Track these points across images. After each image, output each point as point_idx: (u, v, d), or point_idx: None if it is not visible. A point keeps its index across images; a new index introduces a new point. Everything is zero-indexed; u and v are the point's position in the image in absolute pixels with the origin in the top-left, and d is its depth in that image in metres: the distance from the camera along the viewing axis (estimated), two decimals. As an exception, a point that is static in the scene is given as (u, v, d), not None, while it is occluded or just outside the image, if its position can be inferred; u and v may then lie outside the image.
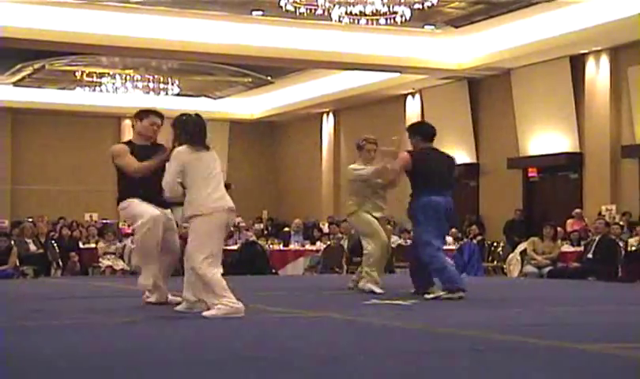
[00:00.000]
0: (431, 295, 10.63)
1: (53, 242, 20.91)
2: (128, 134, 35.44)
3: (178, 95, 31.51)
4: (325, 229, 26.11)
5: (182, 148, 8.90)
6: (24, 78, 30.59)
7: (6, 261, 18.41)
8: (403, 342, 6.74)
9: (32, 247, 19.44)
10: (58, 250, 20.39)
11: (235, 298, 8.69)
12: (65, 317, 8.90)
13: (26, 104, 32.70)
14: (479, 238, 23.25)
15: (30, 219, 23.55)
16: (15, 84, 31.29)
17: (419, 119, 29.39)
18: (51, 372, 5.04)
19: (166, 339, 6.77)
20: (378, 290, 11.32)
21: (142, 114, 10.94)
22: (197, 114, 9.40)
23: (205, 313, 8.51)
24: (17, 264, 18.29)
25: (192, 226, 8.71)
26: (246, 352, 6.01)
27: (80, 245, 21.45)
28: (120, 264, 21.30)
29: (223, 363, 5.43)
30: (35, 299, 11.06)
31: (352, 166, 12.44)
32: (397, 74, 27.60)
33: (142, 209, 9.65)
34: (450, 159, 11.65)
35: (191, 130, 9.08)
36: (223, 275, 8.79)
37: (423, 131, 11.62)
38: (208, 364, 5.39)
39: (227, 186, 9.45)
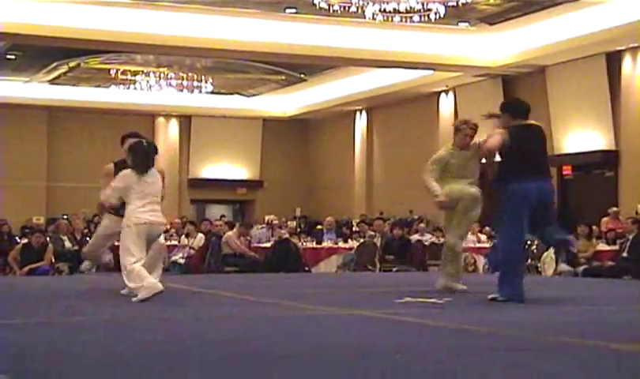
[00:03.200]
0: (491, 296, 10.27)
1: (88, 239, 21.00)
2: (162, 132, 35.73)
3: (211, 93, 31.59)
4: (357, 227, 26.11)
5: (128, 172, 10.52)
6: (59, 76, 30.77)
7: (42, 258, 18.53)
8: (437, 340, 6.72)
9: (68, 244, 19.57)
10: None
11: (153, 279, 10.19)
12: (101, 312, 8.94)
13: (62, 102, 32.92)
14: (513, 236, 23.11)
15: (65, 217, 23.70)
16: (51, 82, 31.51)
17: (452, 117, 29.40)
18: (87, 367, 5.06)
19: (201, 336, 6.78)
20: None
21: (126, 138, 11.50)
22: (148, 142, 10.98)
23: (133, 299, 9.91)
24: (53, 260, 18.38)
25: (123, 232, 10.44)
26: (281, 349, 6.02)
27: (115, 243, 21.51)
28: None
29: (258, 360, 5.44)
30: (70, 296, 11.10)
31: (435, 156, 11.74)
32: (431, 72, 27.56)
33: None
34: (540, 133, 10.61)
35: (138, 160, 10.57)
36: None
37: (512, 106, 10.69)
38: (244, 361, 5.40)
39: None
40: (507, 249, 10.07)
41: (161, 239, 11.48)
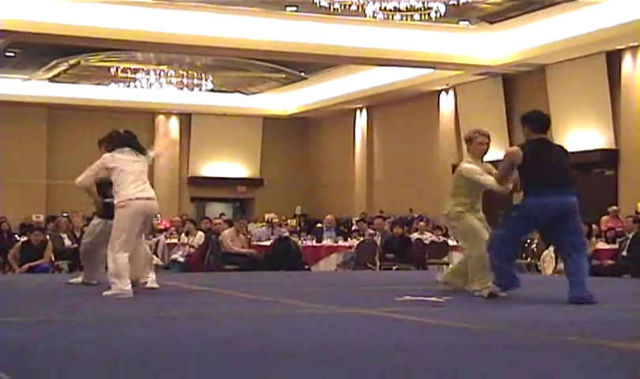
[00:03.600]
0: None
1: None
2: (162, 130, 35.74)
3: (211, 91, 31.62)
4: (357, 226, 26.11)
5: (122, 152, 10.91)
6: (59, 74, 30.80)
7: (42, 256, 18.53)
8: (437, 339, 6.73)
9: (67, 242, 19.54)
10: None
11: (129, 283, 10.43)
12: (100, 311, 8.94)
13: (62, 100, 32.98)
14: (513, 234, 23.14)
15: (65, 214, 23.69)
16: (50, 79, 31.54)
17: (453, 116, 29.41)
18: (86, 365, 5.06)
19: (200, 335, 6.78)
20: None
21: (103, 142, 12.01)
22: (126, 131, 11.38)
23: (103, 293, 10.29)
24: (52, 258, 18.38)
25: (115, 213, 10.73)
26: (281, 348, 6.02)
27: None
28: (154, 260, 21.40)
29: (257, 359, 5.44)
30: (70, 294, 11.10)
31: (467, 165, 11.09)
32: (431, 70, 27.58)
33: None
34: (564, 151, 10.26)
35: (116, 140, 11.15)
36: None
37: (531, 119, 10.19)
38: (244, 359, 5.40)
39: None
40: (497, 248, 10.16)
41: (145, 246, 11.86)
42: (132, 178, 10.77)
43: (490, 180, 10.72)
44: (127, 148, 11.01)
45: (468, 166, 10.93)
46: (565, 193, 9.69)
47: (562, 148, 10.26)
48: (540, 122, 10.06)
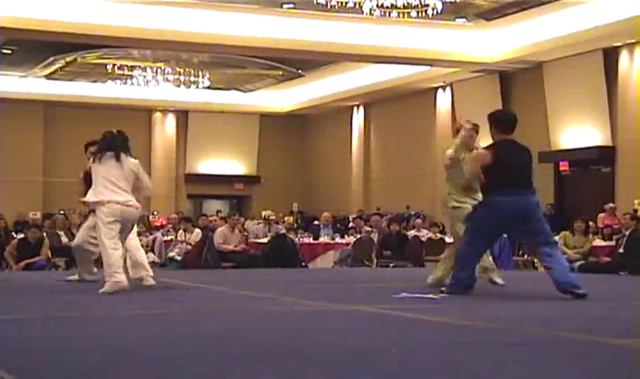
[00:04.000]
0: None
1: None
2: (159, 127, 35.75)
3: (208, 88, 31.64)
4: (354, 223, 26.14)
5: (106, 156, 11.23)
6: (56, 71, 30.78)
7: (39, 253, 18.55)
8: (434, 335, 6.74)
9: (64, 239, 19.54)
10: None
11: (124, 275, 10.72)
12: (98, 308, 8.95)
13: (58, 97, 32.96)
14: (509, 231, 23.17)
15: (62, 212, 23.68)
16: (47, 77, 31.53)
17: (450, 113, 29.41)
18: (83, 362, 5.07)
19: (200, 332, 6.79)
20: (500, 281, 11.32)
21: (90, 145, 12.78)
22: (118, 131, 11.76)
23: (100, 291, 10.35)
24: (49, 255, 18.38)
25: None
26: (280, 345, 6.02)
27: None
28: (151, 257, 21.42)
29: (257, 356, 5.45)
30: (67, 291, 11.11)
31: (446, 153, 11.40)
32: (428, 67, 27.58)
33: None
34: (527, 151, 10.46)
35: (110, 142, 11.45)
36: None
37: (498, 120, 10.48)
38: (240, 356, 5.41)
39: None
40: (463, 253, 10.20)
41: (133, 240, 12.01)
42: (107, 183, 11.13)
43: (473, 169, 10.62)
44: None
45: (447, 153, 11.31)
46: (525, 194, 9.88)
47: (526, 149, 10.42)
48: (506, 123, 10.34)
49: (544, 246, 9.83)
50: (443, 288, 10.21)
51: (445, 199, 11.38)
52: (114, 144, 11.40)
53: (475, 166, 10.20)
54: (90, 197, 11.06)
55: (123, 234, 11.15)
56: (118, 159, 11.25)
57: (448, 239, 23.73)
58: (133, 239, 11.97)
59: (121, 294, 10.11)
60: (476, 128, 11.36)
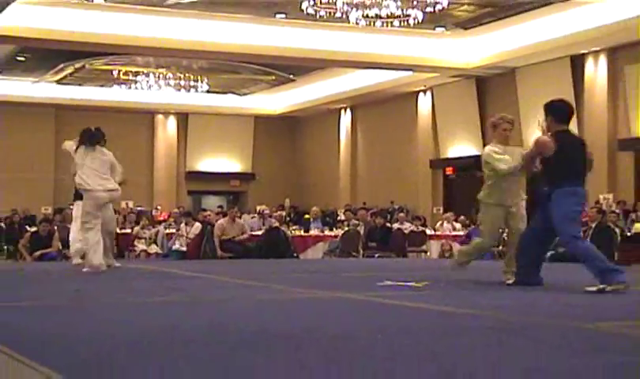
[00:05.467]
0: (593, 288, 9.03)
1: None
2: (161, 128, 35.69)
3: (207, 92, 31.59)
4: (342, 216, 26.11)
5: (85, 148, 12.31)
6: (66, 76, 30.74)
7: (50, 245, 18.52)
8: (417, 321, 6.70)
9: (74, 232, 19.49)
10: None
11: (102, 259, 12.04)
12: (105, 296, 8.90)
13: (68, 101, 32.91)
14: (485, 224, 23.15)
15: (71, 206, 23.59)
16: (58, 82, 31.48)
17: (430, 115, 29.38)
18: (91, 347, 5.02)
19: (197, 319, 6.75)
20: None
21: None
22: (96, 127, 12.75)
23: (84, 270, 11.84)
24: (60, 247, 18.33)
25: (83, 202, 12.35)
26: (273, 330, 5.99)
27: (117, 231, 21.52)
28: (154, 248, 21.41)
29: (252, 341, 5.41)
30: (77, 280, 11.06)
31: (487, 149, 10.48)
32: (410, 73, 27.59)
33: None
34: (583, 143, 9.71)
35: (87, 136, 12.48)
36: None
37: (556, 109, 9.55)
38: (237, 341, 5.37)
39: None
40: (575, 246, 9.26)
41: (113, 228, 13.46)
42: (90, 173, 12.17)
43: (505, 164, 10.15)
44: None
45: (488, 149, 10.45)
46: (583, 185, 9.33)
47: (582, 141, 9.71)
48: (564, 113, 9.53)
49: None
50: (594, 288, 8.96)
51: (480, 200, 10.58)
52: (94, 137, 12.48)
53: (533, 154, 9.54)
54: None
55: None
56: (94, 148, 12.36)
57: (429, 231, 23.78)
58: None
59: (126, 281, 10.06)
60: (510, 122, 10.74)
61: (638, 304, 8.08)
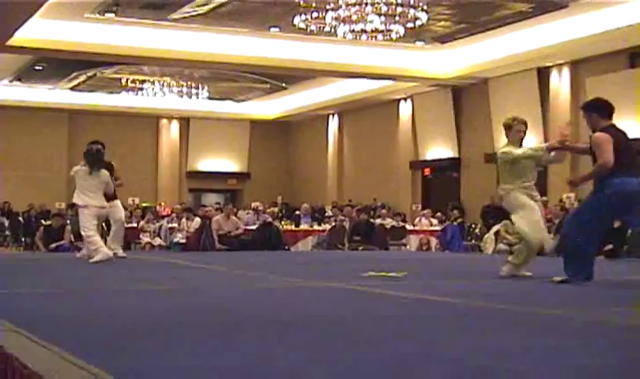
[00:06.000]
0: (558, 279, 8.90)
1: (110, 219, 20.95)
2: (165, 132, 35.61)
3: (207, 98, 31.55)
4: (330, 213, 26.13)
5: (81, 169, 13.23)
6: (79, 84, 30.66)
7: (62, 237, 18.52)
8: (396, 308, 6.72)
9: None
10: (106, 228, 20.41)
11: (106, 249, 12.66)
12: (113, 283, 8.90)
13: (80, 106, 32.82)
14: (459, 220, 23.23)
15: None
16: (72, 89, 31.40)
17: (411, 121, 29.40)
18: (100, 330, 5.02)
19: (195, 305, 6.76)
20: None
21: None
22: (97, 150, 13.56)
23: (91, 261, 12.17)
24: (72, 239, 18.33)
25: (81, 212, 12.95)
26: (266, 316, 6.00)
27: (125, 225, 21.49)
28: (157, 241, 21.39)
29: (247, 325, 5.42)
30: (87, 270, 11.05)
31: (502, 150, 10.15)
32: (392, 82, 27.58)
33: None
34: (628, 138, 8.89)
35: (89, 160, 13.25)
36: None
37: (598, 106, 8.95)
38: (234, 326, 5.38)
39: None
40: (576, 235, 8.76)
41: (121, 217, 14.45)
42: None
43: (522, 149, 9.82)
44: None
45: (504, 150, 10.09)
46: (637, 176, 8.57)
47: (625, 133, 8.91)
48: (606, 108, 8.87)
49: None
50: (559, 278, 8.78)
51: (504, 192, 9.91)
52: (95, 158, 13.29)
53: (607, 150, 8.48)
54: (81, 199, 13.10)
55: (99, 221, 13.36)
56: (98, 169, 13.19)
57: (408, 226, 23.81)
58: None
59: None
60: (524, 123, 10.46)
61: (586, 293, 8.10)
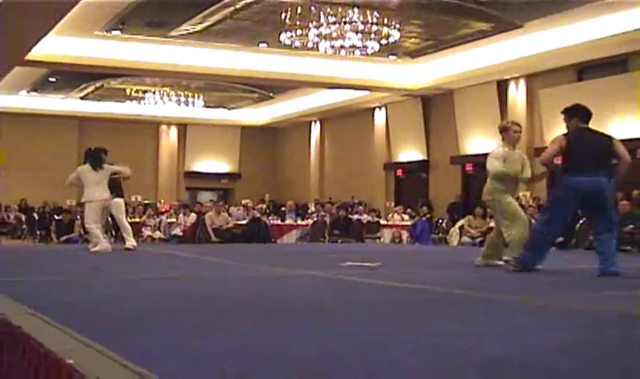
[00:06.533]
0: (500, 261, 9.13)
1: (109, 217, 20.89)
2: (165, 136, 35.52)
3: (202, 106, 31.51)
4: (312, 209, 26.14)
5: (86, 166, 13.35)
6: (88, 94, 30.57)
7: (72, 231, 18.51)
8: (371, 294, 6.74)
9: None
10: (111, 223, 20.38)
11: (106, 242, 13.01)
12: (117, 272, 8.89)
13: (89, 113, 32.74)
14: (428, 216, 23.33)
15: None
16: (81, 98, 31.31)
17: (385, 127, 29.46)
18: (108, 314, 5.03)
19: (189, 292, 6.77)
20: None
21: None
22: (95, 149, 13.76)
23: (92, 250, 12.56)
24: (82, 232, 18.32)
25: (86, 206, 13.19)
26: (254, 301, 6.02)
27: (129, 220, 21.45)
28: (157, 234, 21.37)
29: (238, 310, 5.43)
30: (94, 260, 11.03)
31: (492, 154, 9.85)
32: (368, 92, 27.62)
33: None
34: (605, 137, 8.62)
35: (91, 160, 13.35)
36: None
37: (576, 112, 8.72)
38: (227, 311, 5.39)
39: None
40: (539, 230, 8.82)
41: (119, 213, 14.19)
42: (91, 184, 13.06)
43: (497, 168, 9.59)
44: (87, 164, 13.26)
45: (492, 153, 9.85)
46: (596, 174, 8.37)
47: (604, 135, 8.65)
48: (585, 114, 8.67)
49: (603, 229, 8.48)
50: (510, 263, 8.98)
51: (490, 191, 9.78)
52: (97, 159, 13.38)
53: (548, 150, 8.61)
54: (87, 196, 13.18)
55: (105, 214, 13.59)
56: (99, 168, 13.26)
57: (382, 221, 23.87)
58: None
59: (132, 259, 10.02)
60: (519, 125, 10.15)
61: (538, 280, 8.16)
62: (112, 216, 14.74)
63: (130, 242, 13.79)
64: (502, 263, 9.60)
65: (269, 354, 3.55)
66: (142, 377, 2.94)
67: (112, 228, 17.77)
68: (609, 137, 8.59)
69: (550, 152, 8.58)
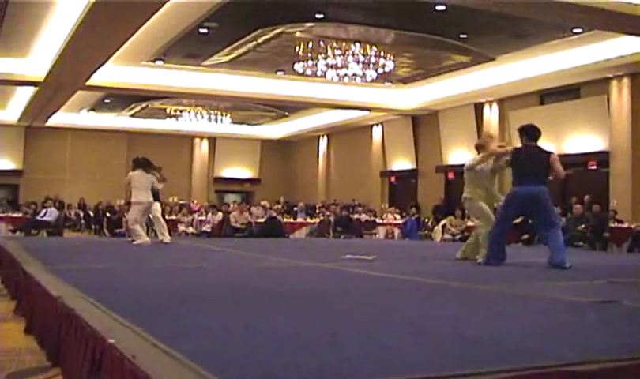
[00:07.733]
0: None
1: (150, 215, 20.90)
2: (198, 148, 35.53)
3: (230, 123, 31.60)
4: (319, 209, 26.10)
5: (136, 172, 13.23)
6: (135, 113, 30.68)
7: (120, 226, 18.50)
8: (367, 283, 6.70)
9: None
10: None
11: (146, 237, 12.87)
12: (157, 261, 8.86)
13: (136, 129, 32.87)
14: (416, 216, 23.26)
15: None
16: (130, 116, 31.42)
17: (381, 142, 29.42)
18: (146, 298, 4.99)
19: (218, 279, 6.74)
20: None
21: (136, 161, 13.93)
22: (143, 158, 13.65)
23: (134, 243, 12.40)
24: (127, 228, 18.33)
25: (132, 206, 13.06)
26: (270, 288, 5.98)
27: (166, 217, 21.46)
28: (190, 229, 21.35)
29: (256, 295, 5.39)
30: (136, 252, 11.01)
31: (468, 162, 9.75)
32: (367, 112, 27.61)
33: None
34: (544, 153, 8.55)
35: (144, 166, 13.28)
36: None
37: (525, 131, 8.80)
38: (247, 296, 5.35)
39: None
40: (495, 229, 8.82)
41: (157, 213, 13.93)
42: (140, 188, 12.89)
43: (473, 160, 9.55)
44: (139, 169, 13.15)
45: (468, 160, 9.70)
46: (534, 183, 8.42)
47: (543, 151, 8.60)
48: (533, 133, 8.73)
49: (549, 227, 8.47)
50: (480, 260, 8.96)
51: (469, 195, 9.64)
52: (144, 164, 13.27)
53: (501, 153, 8.99)
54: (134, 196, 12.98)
55: (147, 214, 13.36)
56: (147, 171, 13.21)
57: (378, 220, 23.82)
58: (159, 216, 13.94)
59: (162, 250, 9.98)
60: (493, 138, 10.12)
61: (508, 272, 8.10)
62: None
63: (166, 237, 13.79)
64: (478, 258, 9.53)
65: (281, 334, 3.51)
66: (169, 355, 2.89)
67: (151, 226, 17.76)
68: (548, 154, 8.54)
69: (501, 152, 9.23)
